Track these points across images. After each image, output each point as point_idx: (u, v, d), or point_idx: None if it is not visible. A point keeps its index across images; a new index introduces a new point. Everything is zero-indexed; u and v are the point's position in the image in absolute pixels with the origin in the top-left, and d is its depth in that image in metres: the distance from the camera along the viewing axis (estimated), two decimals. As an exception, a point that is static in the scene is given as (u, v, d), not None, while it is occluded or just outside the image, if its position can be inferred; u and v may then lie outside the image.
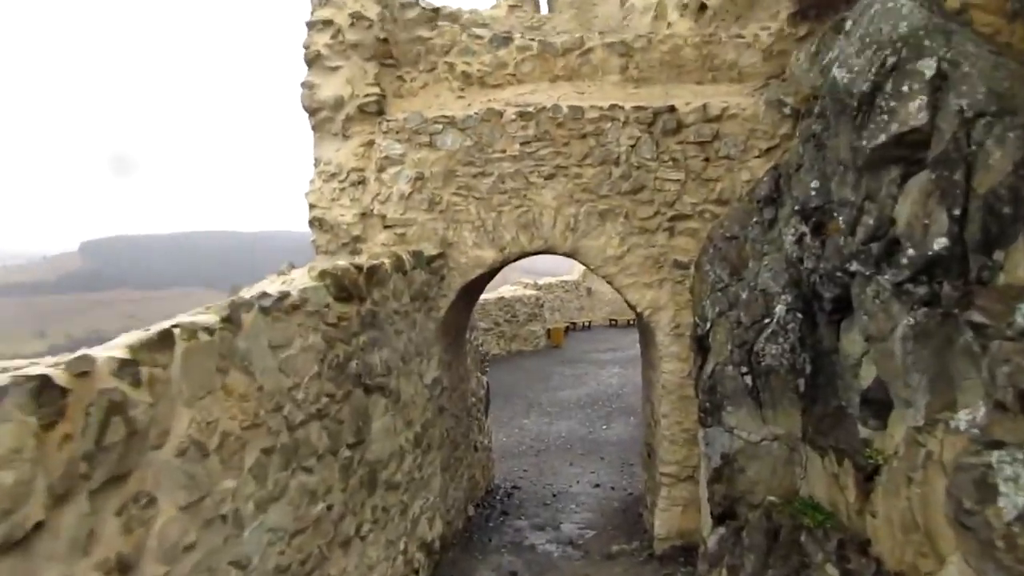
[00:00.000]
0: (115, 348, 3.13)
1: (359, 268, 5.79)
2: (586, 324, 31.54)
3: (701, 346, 7.12)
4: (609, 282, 8.21)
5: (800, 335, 6.27)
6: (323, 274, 5.27)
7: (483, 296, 26.35)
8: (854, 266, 5.75)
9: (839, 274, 5.99)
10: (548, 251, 8.12)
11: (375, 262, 6.25)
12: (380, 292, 6.28)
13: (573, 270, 33.54)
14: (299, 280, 5.18)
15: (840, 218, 6.07)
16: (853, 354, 5.97)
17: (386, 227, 8.20)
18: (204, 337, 3.64)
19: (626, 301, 8.45)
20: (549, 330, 26.91)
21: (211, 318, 3.81)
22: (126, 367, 3.05)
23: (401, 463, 6.69)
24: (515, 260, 8.35)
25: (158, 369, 3.26)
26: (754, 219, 7.23)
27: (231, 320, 3.92)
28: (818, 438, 6.14)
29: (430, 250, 7.97)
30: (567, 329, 28.88)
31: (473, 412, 10.91)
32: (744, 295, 6.70)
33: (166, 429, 3.27)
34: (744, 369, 6.45)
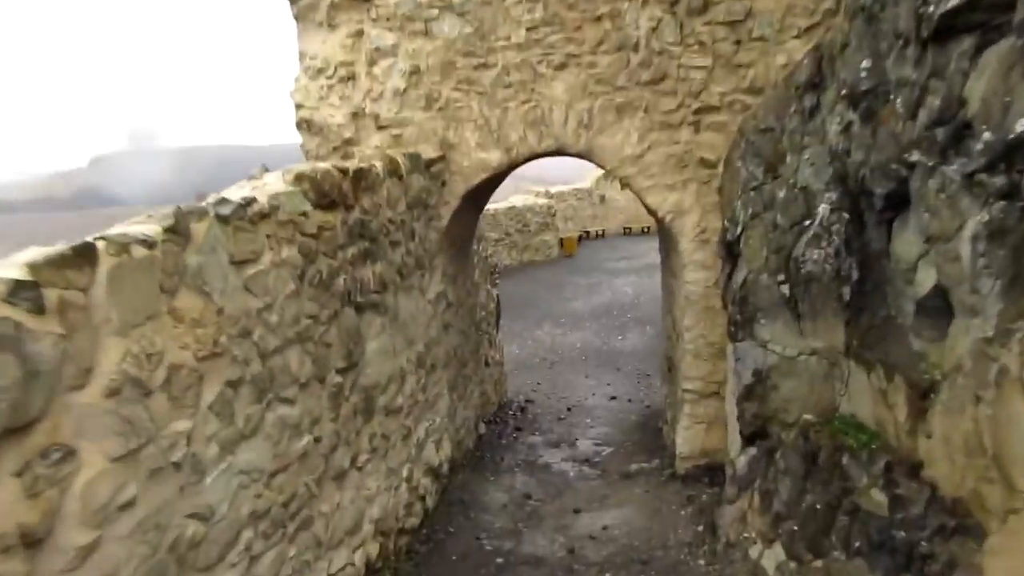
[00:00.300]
0: (10, 267, 2.44)
1: (344, 171, 5.02)
2: (599, 233, 30.72)
3: (731, 253, 6.38)
4: (627, 184, 7.40)
5: (846, 238, 5.50)
6: (300, 177, 4.52)
7: (493, 205, 25.50)
8: (914, 156, 4.91)
9: (894, 166, 5.15)
10: (559, 151, 7.28)
11: (364, 165, 5.49)
12: (371, 199, 5.54)
13: (586, 177, 32.49)
14: (272, 185, 4.45)
15: (897, 101, 5.19)
16: (907, 258, 5.20)
17: (380, 128, 7.36)
18: (140, 252, 2.93)
19: (645, 205, 7.66)
20: (562, 239, 26.15)
21: (150, 228, 3.09)
22: (23, 291, 2.37)
23: (402, 386, 6.10)
24: (523, 162, 7.52)
25: (73, 292, 2.58)
26: (792, 108, 6.34)
27: (177, 231, 3.20)
28: (864, 352, 5.46)
29: (429, 152, 7.17)
30: (580, 238, 28.10)
31: (483, 326, 10.32)
32: (781, 194, 5.90)
33: (88, 366, 2.62)
34: (781, 277, 5.72)
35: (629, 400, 11.91)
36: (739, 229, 6.18)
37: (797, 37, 6.83)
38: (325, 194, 4.67)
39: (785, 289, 5.71)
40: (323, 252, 4.62)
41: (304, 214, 4.38)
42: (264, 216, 3.94)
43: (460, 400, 8.15)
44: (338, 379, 4.80)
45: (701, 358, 7.31)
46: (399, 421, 5.99)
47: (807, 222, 5.70)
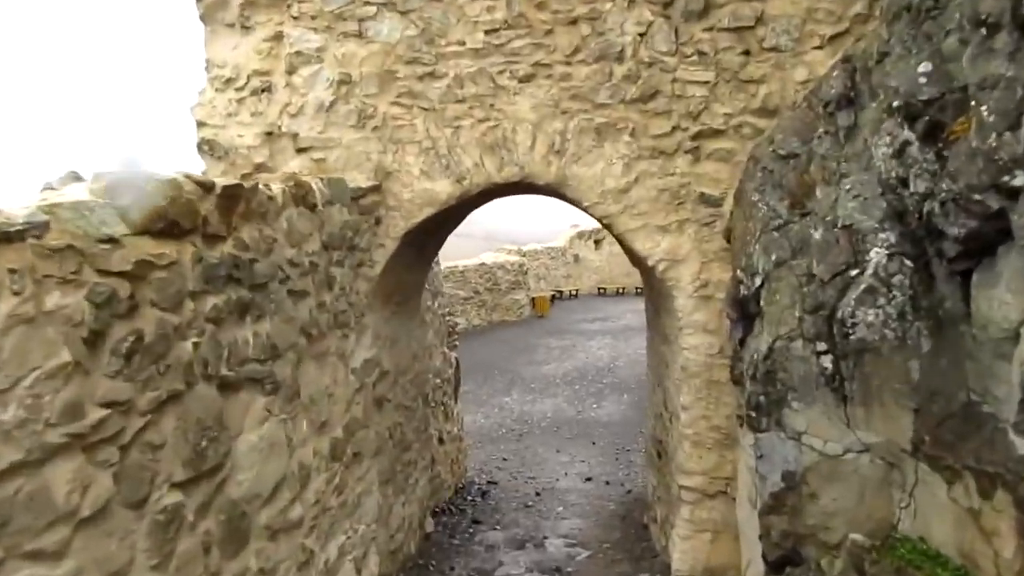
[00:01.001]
0: None
1: (206, 185, 3.39)
2: (573, 293, 29.24)
3: (745, 312, 4.80)
4: (607, 226, 5.83)
5: (912, 293, 3.96)
6: (117, 187, 2.88)
7: (461, 262, 23.99)
8: (1018, 179, 3.42)
9: (977, 197, 3.65)
10: (524, 182, 5.70)
11: (247, 183, 3.85)
12: (258, 231, 3.88)
13: (559, 236, 31.19)
14: (72, 196, 2.82)
15: (983, 108, 3.71)
16: (1000, 323, 3.65)
17: (300, 151, 5.76)
18: None
19: (631, 252, 6.10)
20: (534, 299, 24.59)
21: None
22: None
23: (303, 491, 4.34)
24: (479, 197, 5.94)
25: None
26: (820, 129, 4.87)
27: None
28: (941, 452, 3.83)
29: (360, 181, 5.57)
30: (553, 298, 26.56)
31: (437, 397, 8.59)
32: (816, 235, 4.34)
33: None
34: (821, 346, 4.12)
35: (607, 482, 10.14)
36: (758, 281, 4.61)
37: (819, 48, 5.41)
38: (163, 215, 3.01)
39: (827, 361, 4.11)
40: (152, 302, 2.93)
41: (110, 240, 2.71)
42: (11, 239, 2.28)
43: (398, 495, 6.37)
44: (174, 499, 3.05)
45: (703, 447, 5.64)
46: (294, 542, 4.20)
47: (854, 272, 4.14)
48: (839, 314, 4.06)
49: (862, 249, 4.13)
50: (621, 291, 31.00)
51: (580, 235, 31.09)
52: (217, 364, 3.42)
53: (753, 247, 4.69)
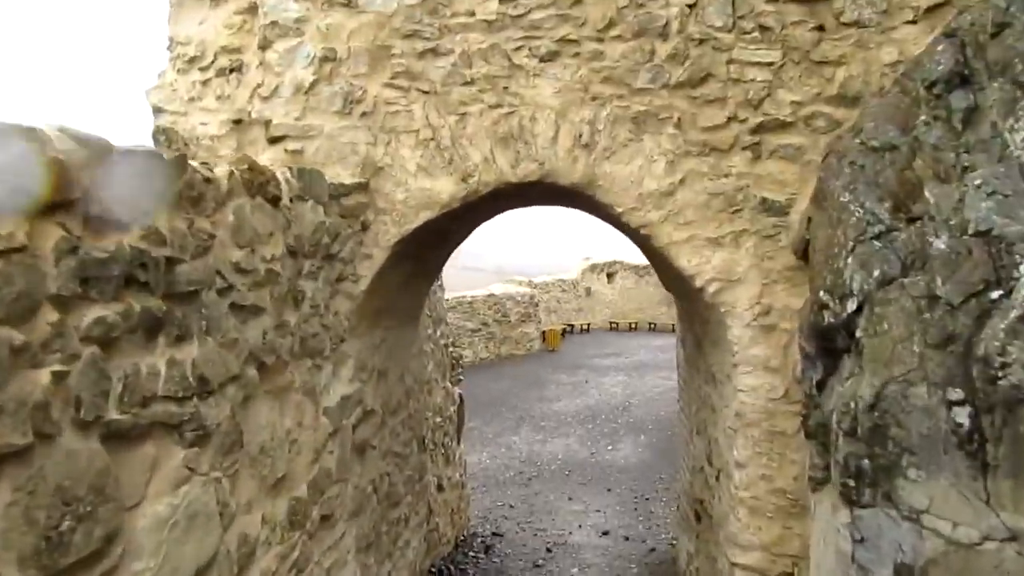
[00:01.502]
0: None
1: (93, 145, 2.33)
2: (584, 327, 28.07)
3: (828, 345, 3.67)
4: (646, 237, 4.70)
5: (1085, 323, 2.84)
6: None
7: (470, 292, 22.91)
8: None
9: None
10: (544, 181, 4.60)
11: (169, 152, 2.78)
12: (187, 221, 2.81)
13: (571, 268, 30.13)
14: None
15: None
16: None
17: (273, 140, 4.70)
18: None
19: (666, 272, 5.01)
20: (544, 332, 23.44)
21: None
22: None
23: (244, 571, 3.20)
24: (488, 201, 4.84)
25: None
26: (923, 116, 3.79)
27: None
28: None
29: (343, 177, 4.51)
30: (564, 332, 25.39)
31: (437, 438, 7.44)
32: (940, 244, 3.23)
33: None
34: (955, 394, 2.98)
35: (626, 537, 8.89)
36: (852, 305, 3.47)
37: (912, 22, 4.34)
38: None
39: (962, 416, 2.96)
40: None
41: None
42: None
43: (383, 562, 5.18)
44: (-2, 615, 1.94)
45: (762, 515, 4.45)
46: (226, 648, 3.05)
47: (996, 293, 3.02)
48: (981, 350, 2.92)
49: (1008, 262, 3.00)
50: (633, 327, 29.80)
51: (592, 268, 30.02)
52: (100, 405, 2.31)
53: (844, 261, 3.57)
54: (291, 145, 4.65)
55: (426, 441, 6.68)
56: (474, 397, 17.00)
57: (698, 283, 4.53)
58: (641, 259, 33.26)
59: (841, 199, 3.72)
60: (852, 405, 3.30)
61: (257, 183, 3.46)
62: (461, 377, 8.54)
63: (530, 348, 22.39)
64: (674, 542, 8.13)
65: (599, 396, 16.86)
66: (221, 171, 3.18)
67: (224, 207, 3.15)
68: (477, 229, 6.16)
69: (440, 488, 7.61)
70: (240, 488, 3.21)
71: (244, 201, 3.31)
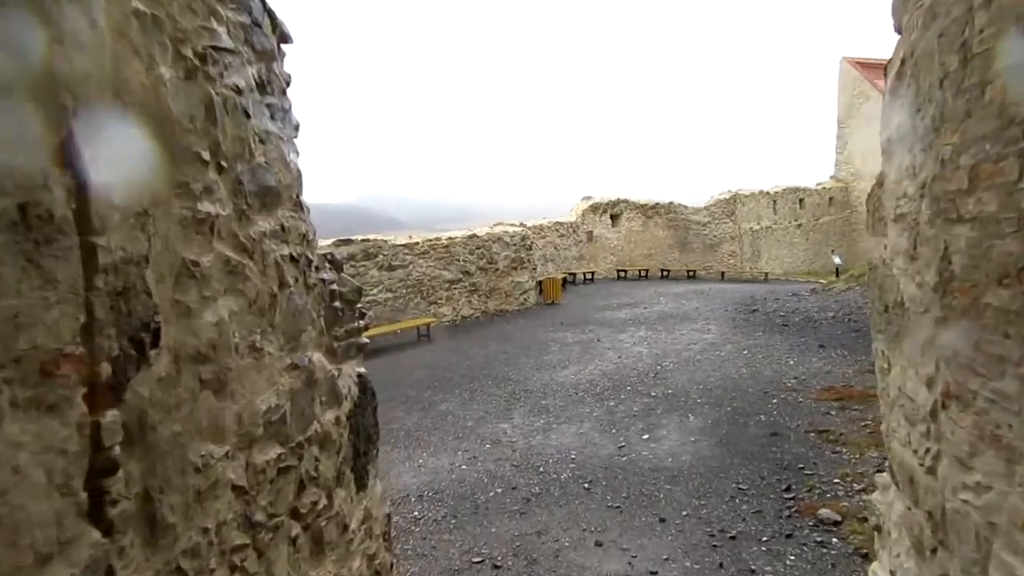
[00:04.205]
0: None
1: None
2: (588, 276, 23.36)
3: None
4: None
5: None
6: None
7: (445, 233, 18.22)
8: None
9: None
10: None
11: None
12: None
13: (571, 211, 25.25)
14: None
15: None
16: None
17: None
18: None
19: None
20: (541, 282, 18.73)
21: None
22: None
23: None
24: None
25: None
26: None
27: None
28: None
29: None
30: (564, 282, 20.70)
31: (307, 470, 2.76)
32: None
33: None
34: None
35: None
36: None
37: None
38: None
39: None
40: None
41: None
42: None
43: None
44: None
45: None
46: None
47: None
48: None
49: None
50: (644, 274, 25.10)
51: (594, 208, 25.19)
52: None
53: None
54: None
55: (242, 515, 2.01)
56: (450, 367, 12.42)
57: None
58: (648, 197, 28.48)
59: None
60: None
61: None
62: (364, 341, 3.76)
63: (524, 302, 17.71)
64: None
65: (619, 359, 12.20)
66: None
67: None
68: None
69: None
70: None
71: None
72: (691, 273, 25.69)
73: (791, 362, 10.85)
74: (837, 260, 29.19)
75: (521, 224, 20.05)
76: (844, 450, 7.37)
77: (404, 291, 15.39)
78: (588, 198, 25.37)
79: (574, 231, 23.79)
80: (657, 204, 26.93)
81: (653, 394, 10.00)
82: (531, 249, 18.10)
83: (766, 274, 27.49)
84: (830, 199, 33.01)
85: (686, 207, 27.69)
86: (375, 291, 14.96)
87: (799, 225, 31.78)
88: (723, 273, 27.11)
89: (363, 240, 14.91)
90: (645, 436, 8.44)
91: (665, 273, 25.42)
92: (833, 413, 8.48)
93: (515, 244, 17.23)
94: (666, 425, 8.76)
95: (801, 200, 31.98)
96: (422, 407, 10.16)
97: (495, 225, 19.16)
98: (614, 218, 25.86)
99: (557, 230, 22.71)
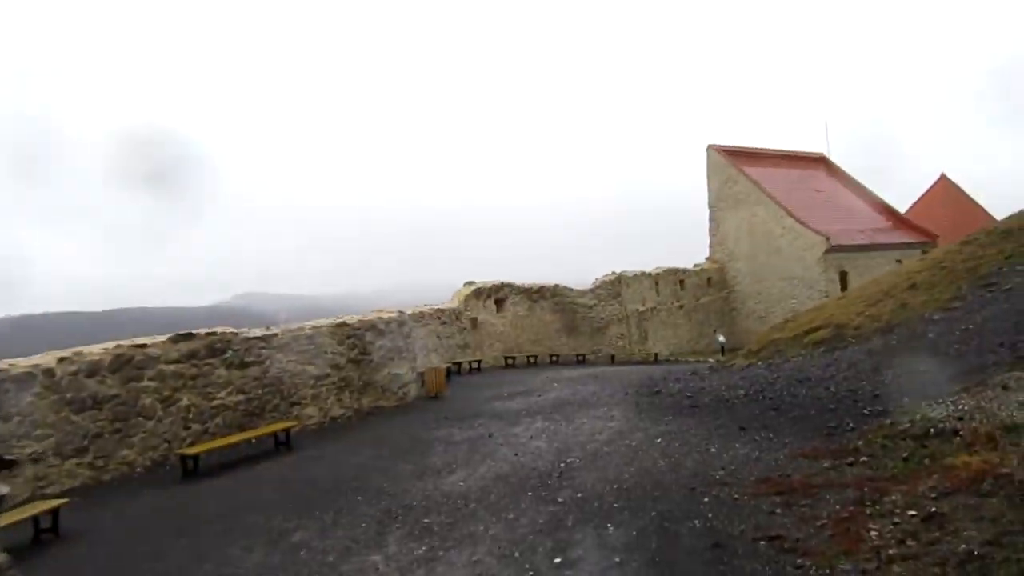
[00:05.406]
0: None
1: None
2: (474, 365, 21.51)
3: None
4: None
5: None
6: None
7: (310, 322, 15.86)
8: None
9: None
10: None
11: None
12: None
13: (453, 297, 23.57)
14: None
15: None
16: None
17: None
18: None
19: None
20: (422, 373, 16.69)
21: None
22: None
23: None
24: None
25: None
26: None
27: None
28: None
29: None
30: (448, 372, 18.73)
31: None
32: None
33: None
34: None
35: None
36: None
37: None
38: None
39: None
40: None
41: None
42: None
43: None
44: None
45: None
46: None
47: None
48: None
49: None
50: (533, 360, 23.55)
51: (477, 294, 23.65)
52: None
53: None
54: None
55: None
56: (311, 482, 10.02)
57: None
58: (531, 280, 27.31)
59: None
60: None
61: None
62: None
63: (404, 396, 15.56)
64: None
65: (515, 457, 10.26)
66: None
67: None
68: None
69: None
70: None
71: None
72: (580, 358, 24.42)
73: (712, 450, 9.30)
74: (721, 339, 28.99)
75: (399, 311, 18.08)
76: (808, 562, 5.70)
77: (259, 391, 12.91)
78: (471, 283, 23.85)
79: (457, 318, 22.05)
80: (542, 287, 25.81)
81: (560, 500, 8.10)
82: (410, 337, 16.11)
83: (655, 355, 26.69)
84: (708, 279, 33.31)
85: (571, 290, 26.77)
86: (223, 394, 12.40)
87: (681, 306, 31.64)
88: (613, 356, 26.06)
89: (208, 334, 12.45)
90: (557, 560, 6.49)
91: (555, 358, 23.99)
92: (779, 512, 6.87)
93: (391, 332, 15.21)
94: (581, 542, 6.85)
95: (681, 281, 32.02)
96: (269, 540, 7.77)
97: (371, 313, 17.06)
98: (499, 303, 24.39)
99: (439, 317, 20.89)
